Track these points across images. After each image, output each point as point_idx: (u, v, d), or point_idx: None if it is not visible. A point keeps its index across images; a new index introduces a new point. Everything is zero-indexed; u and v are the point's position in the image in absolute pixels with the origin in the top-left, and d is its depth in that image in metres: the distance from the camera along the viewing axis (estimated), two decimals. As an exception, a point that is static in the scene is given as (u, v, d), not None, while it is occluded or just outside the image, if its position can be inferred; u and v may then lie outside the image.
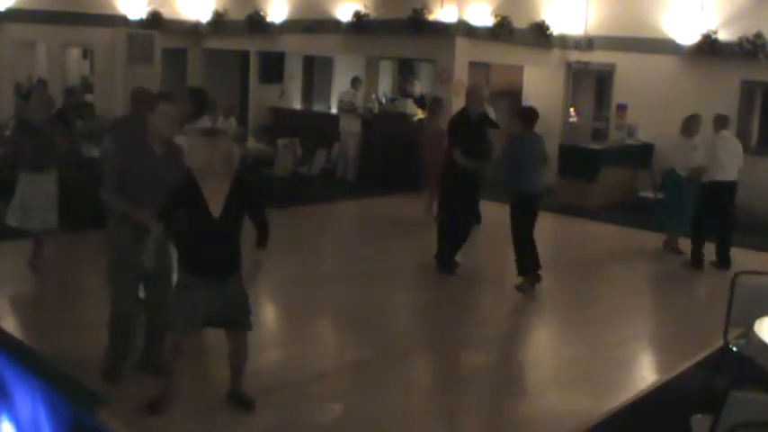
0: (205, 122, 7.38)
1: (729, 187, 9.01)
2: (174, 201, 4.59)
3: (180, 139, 5.68)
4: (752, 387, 3.81)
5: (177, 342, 4.75)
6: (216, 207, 4.53)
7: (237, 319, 4.81)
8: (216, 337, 6.58)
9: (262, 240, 4.82)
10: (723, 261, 9.00)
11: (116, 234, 5.09)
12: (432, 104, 11.00)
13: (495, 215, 10.50)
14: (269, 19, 15.24)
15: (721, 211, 8.98)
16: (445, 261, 8.27)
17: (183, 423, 4.80)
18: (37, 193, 7.47)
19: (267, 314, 7.51)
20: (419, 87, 15.06)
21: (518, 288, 7.74)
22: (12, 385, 3.10)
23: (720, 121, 9.11)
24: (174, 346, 4.78)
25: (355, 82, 14.32)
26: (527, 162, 7.61)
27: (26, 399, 2.97)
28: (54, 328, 6.32)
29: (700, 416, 4.06)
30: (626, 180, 13.04)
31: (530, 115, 7.89)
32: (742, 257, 9.25)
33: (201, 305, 4.60)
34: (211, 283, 4.60)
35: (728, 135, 9.15)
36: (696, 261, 9.01)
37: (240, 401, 4.96)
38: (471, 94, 8.43)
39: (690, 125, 9.16)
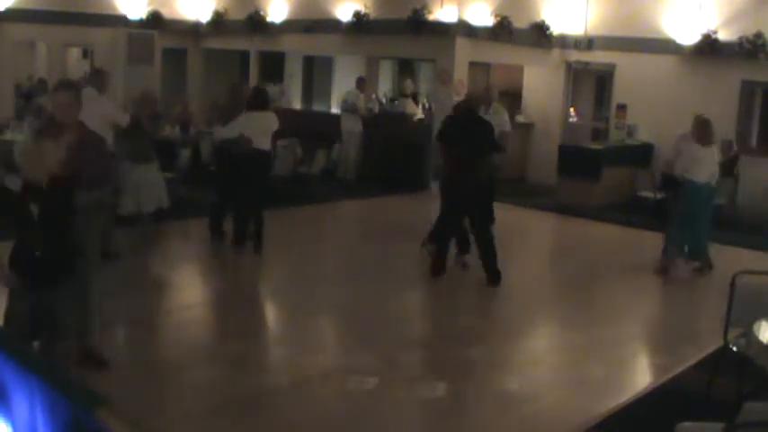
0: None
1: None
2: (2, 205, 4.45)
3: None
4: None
5: None
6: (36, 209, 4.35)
7: (55, 328, 4.54)
8: (217, 341, 6.59)
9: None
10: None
11: None
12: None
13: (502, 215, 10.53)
14: (269, 19, 15.23)
15: None
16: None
17: (183, 424, 4.80)
18: (140, 182, 8.29)
19: (268, 314, 7.52)
20: (411, 87, 15.06)
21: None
22: (9, 386, 3.09)
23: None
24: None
25: (360, 83, 14.29)
26: None
27: (24, 399, 2.97)
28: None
29: (687, 424, 4.06)
30: (626, 180, 13.04)
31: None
32: (742, 257, 9.26)
33: (28, 311, 4.42)
34: (37, 288, 4.41)
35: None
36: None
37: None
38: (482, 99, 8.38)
39: None
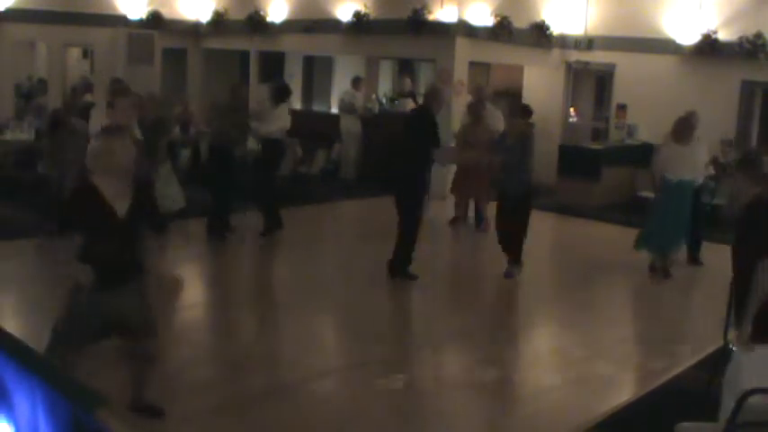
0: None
1: None
2: (72, 207, 4.42)
3: None
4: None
5: (64, 354, 4.40)
6: (120, 207, 4.33)
7: (140, 325, 4.57)
8: (217, 340, 6.59)
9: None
10: None
11: None
12: (474, 108, 10.55)
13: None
14: (269, 19, 15.23)
15: None
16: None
17: (182, 424, 4.80)
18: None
19: (268, 314, 7.51)
20: (409, 85, 15.06)
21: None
22: (11, 385, 3.09)
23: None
24: (61, 358, 4.40)
25: (356, 82, 14.29)
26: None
27: (25, 399, 2.97)
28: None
29: (686, 424, 4.06)
30: (626, 180, 13.04)
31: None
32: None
33: (101, 314, 4.40)
34: (112, 288, 4.38)
35: None
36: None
37: (149, 410, 4.72)
38: (435, 95, 8.16)
39: None
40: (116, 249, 4.33)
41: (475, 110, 10.40)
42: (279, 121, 9.50)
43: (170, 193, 8.40)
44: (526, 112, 8.49)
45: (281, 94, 9.69)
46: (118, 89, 5.74)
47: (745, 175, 4.57)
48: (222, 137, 9.27)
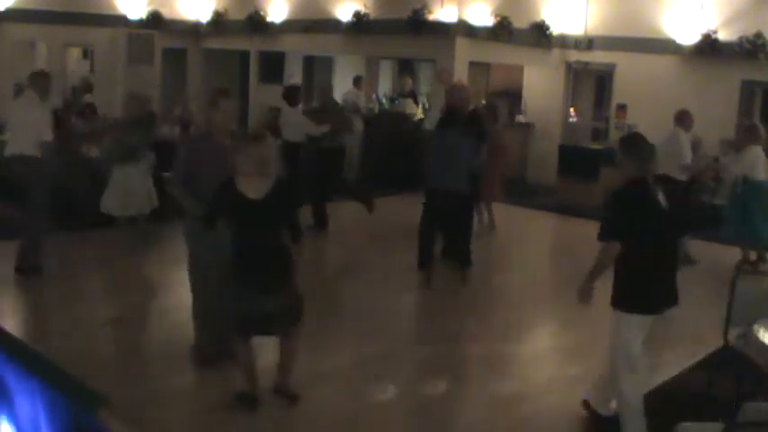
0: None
1: None
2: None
3: None
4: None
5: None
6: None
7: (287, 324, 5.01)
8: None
9: None
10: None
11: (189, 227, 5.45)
12: (489, 112, 10.35)
13: (502, 216, 10.54)
14: (269, 19, 15.25)
15: None
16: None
17: (182, 423, 4.80)
18: (131, 182, 8.08)
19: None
20: (410, 84, 15.10)
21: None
22: (11, 385, 3.10)
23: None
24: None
25: (358, 81, 14.29)
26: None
27: (26, 399, 2.97)
28: (55, 329, 6.32)
29: (687, 424, 4.07)
30: (626, 180, 13.02)
31: None
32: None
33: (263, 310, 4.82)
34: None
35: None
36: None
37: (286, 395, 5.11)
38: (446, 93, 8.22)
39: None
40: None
41: (495, 113, 10.44)
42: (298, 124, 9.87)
43: (145, 192, 8.28)
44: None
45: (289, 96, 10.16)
46: (221, 90, 5.70)
47: (628, 156, 4.63)
48: (335, 140, 9.82)
